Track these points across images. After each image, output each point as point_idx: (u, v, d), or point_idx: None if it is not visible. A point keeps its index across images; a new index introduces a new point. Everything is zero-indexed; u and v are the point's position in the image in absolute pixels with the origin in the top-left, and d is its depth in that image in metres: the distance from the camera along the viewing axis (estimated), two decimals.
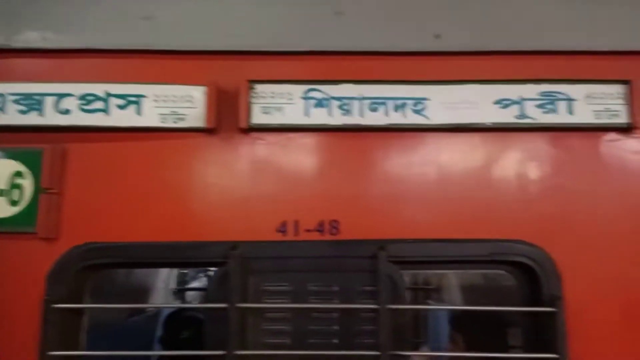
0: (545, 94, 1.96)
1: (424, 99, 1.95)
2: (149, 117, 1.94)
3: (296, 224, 1.89)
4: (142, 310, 3.78)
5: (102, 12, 2.04)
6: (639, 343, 1.82)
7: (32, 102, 1.94)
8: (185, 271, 4.85)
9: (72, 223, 1.89)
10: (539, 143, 1.96)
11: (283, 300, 1.83)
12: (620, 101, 1.95)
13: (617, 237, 1.88)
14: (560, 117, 1.95)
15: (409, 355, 1.81)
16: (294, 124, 1.94)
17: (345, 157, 1.95)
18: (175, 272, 4.64)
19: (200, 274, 4.93)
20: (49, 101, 1.94)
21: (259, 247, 1.86)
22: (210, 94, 1.93)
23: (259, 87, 1.95)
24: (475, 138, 1.96)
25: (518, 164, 1.94)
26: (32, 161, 1.89)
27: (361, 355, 1.78)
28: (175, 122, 1.94)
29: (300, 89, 1.96)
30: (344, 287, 1.84)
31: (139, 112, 1.94)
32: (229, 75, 1.96)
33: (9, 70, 2.01)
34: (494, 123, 1.94)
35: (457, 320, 2.99)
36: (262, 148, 1.96)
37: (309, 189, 1.93)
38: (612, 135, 1.96)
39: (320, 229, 1.89)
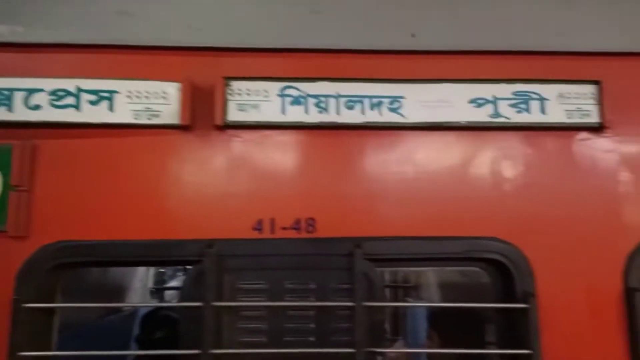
0: (518, 93, 1.99)
1: (400, 97, 1.96)
2: (122, 113, 1.90)
3: (272, 221, 1.88)
4: (118, 310, 3.73)
5: (74, 5, 1.99)
6: (606, 338, 1.86)
7: (1, 98, 1.89)
8: (162, 270, 4.81)
9: (42, 221, 1.85)
10: (513, 142, 1.98)
11: (259, 299, 1.82)
12: (592, 101, 1.99)
13: (588, 235, 1.92)
14: (533, 116, 1.98)
15: (384, 352, 1.82)
16: (270, 121, 1.93)
17: (322, 155, 1.95)
18: (152, 271, 4.60)
19: (179, 273, 4.89)
20: (19, 96, 1.90)
21: (234, 245, 1.84)
22: (185, 91, 1.90)
23: (235, 84, 1.93)
24: (450, 137, 1.98)
25: (492, 163, 1.97)
26: (1, 158, 1.85)
27: (337, 352, 1.78)
28: (149, 119, 1.91)
29: (276, 86, 1.95)
30: (320, 285, 1.84)
31: (111, 108, 1.91)
32: (204, 71, 1.94)
33: None
34: (468, 122, 1.96)
35: (434, 317, 3.02)
36: (238, 145, 1.94)
37: (285, 186, 1.92)
38: (584, 135, 2.00)
39: (296, 226, 1.88)
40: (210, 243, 1.81)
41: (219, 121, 1.90)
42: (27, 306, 1.76)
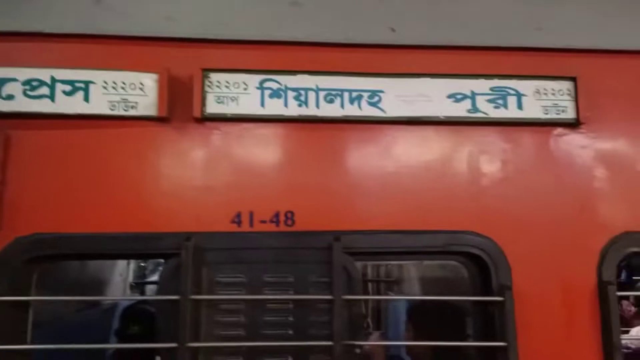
0: (496, 89, 2.00)
1: (380, 91, 1.97)
2: (98, 104, 1.88)
3: (251, 215, 1.87)
4: (97, 304, 3.70)
5: None
6: (580, 330, 1.90)
7: None
8: (143, 264, 4.77)
9: (16, 213, 1.82)
10: (490, 137, 2.00)
11: (237, 292, 1.82)
12: (568, 97, 2.02)
13: (563, 229, 1.95)
14: (510, 112, 2.00)
15: (361, 345, 1.83)
16: (249, 114, 1.92)
17: (301, 148, 1.95)
18: (133, 265, 4.56)
19: (160, 267, 4.85)
20: None
21: (212, 238, 1.83)
22: (162, 82, 1.88)
23: (214, 76, 1.91)
24: (429, 131, 1.99)
25: (470, 158, 1.99)
26: None
27: (315, 345, 1.78)
28: (125, 110, 1.88)
29: (255, 78, 1.94)
30: (299, 278, 1.84)
31: (87, 99, 1.88)
32: (183, 63, 1.92)
33: None
34: (447, 117, 1.98)
35: (414, 311, 3.04)
36: (217, 138, 1.93)
37: (264, 179, 1.92)
38: (560, 130, 2.02)
39: (275, 220, 1.88)
40: (188, 236, 1.79)
41: (197, 113, 1.88)
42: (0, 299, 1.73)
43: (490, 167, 1.98)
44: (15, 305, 1.80)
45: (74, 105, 1.87)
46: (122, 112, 1.88)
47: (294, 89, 1.95)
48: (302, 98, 1.94)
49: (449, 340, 1.98)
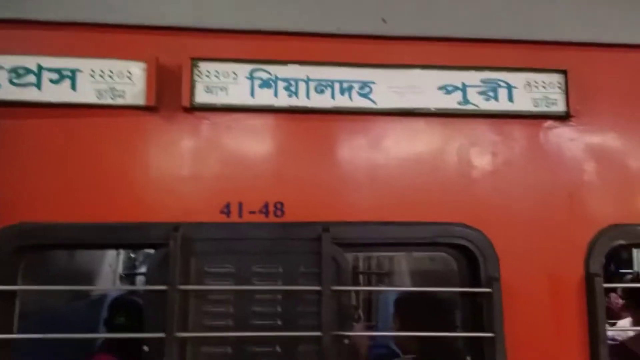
0: (486, 81, 2.00)
1: (370, 82, 1.96)
2: (85, 92, 1.85)
3: (240, 205, 1.87)
4: (86, 294, 3.69)
5: None
6: (567, 322, 1.91)
7: None
8: (133, 255, 4.75)
9: (2, 203, 1.79)
10: (481, 129, 2.01)
11: (226, 283, 1.81)
12: (558, 90, 2.02)
13: (551, 221, 1.97)
14: (501, 104, 2.00)
15: (350, 335, 1.84)
16: (239, 104, 1.91)
17: (291, 139, 1.94)
18: (123, 256, 4.54)
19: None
20: None
21: (201, 228, 1.82)
22: (150, 71, 1.86)
23: (203, 65, 1.89)
24: (419, 123, 1.99)
25: (460, 149, 1.99)
26: None
27: (303, 335, 1.79)
28: (112, 99, 1.86)
29: (245, 68, 1.92)
30: (288, 269, 1.84)
31: (73, 87, 1.85)
32: (171, 51, 1.89)
33: None
34: (437, 109, 1.97)
35: (403, 302, 3.06)
36: (206, 128, 1.91)
37: (254, 170, 1.91)
38: (550, 123, 2.03)
39: (264, 210, 1.87)
40: (176, 226, 1.78)
41: (185, 103, 1.86)
42: None
43: (480, 159, 1.99)
44: (1, 295, 1.78)
45: (60, 93, 1.84)
46: (109, 101, 1.86)
47: (284, 79, 1.93)
48: (293, 88, 1.93)
49: (437, 331, 1.99)
